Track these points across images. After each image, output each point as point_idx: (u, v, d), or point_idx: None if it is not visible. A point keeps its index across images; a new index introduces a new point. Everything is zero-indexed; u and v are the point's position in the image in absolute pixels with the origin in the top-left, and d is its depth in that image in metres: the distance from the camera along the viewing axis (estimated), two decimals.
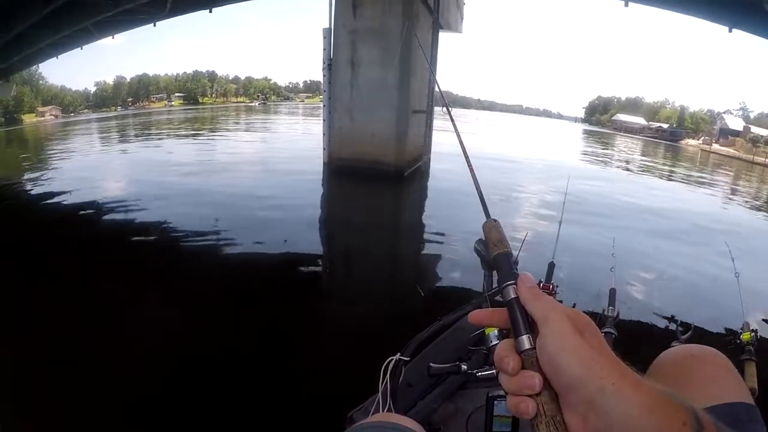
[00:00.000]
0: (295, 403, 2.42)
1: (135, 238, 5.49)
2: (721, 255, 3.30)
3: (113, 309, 3.41)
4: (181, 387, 2.54)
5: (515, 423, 1.09)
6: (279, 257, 4.92)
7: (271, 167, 11.11)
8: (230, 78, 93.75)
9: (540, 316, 0.43)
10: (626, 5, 10.04)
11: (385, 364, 1.31)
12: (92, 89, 67.81)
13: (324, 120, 10.12)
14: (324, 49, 9.76)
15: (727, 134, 47.58)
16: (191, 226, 5.88)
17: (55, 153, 15.38)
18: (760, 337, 2.03)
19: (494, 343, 0.48)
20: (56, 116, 50.94)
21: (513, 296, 0.45)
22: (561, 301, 0.47)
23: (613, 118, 73.07)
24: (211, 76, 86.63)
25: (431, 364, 1.26)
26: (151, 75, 77.05)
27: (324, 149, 10.25)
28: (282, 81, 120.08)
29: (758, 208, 11.36)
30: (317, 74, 10.24)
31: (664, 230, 6.93)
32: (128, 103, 70.44)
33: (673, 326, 2.43)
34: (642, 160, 22.91)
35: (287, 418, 2.34)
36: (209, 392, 2.51)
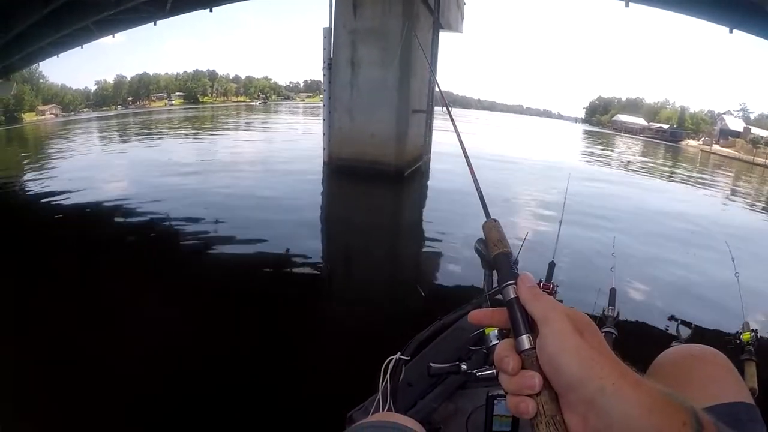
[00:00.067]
0: (295, 403, 2.42)
1: (135, 238, 5.50)
2: (722, 255, 3.29)
3: (113, 309, 3.41)
4: (181, 387, 2.54)
5: (515, 423, 1.09)
6: (279, 257, 4.92)
7: (271, 167, 11.11)
8: (231, 77, 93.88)
9: (540, 316, 0.43)
10: (627, 5, 10.04)
11: (385, 363, 1.31)
12: (93, 88, 67.95)
13: (324, 120, 10.13)
14: (324, 49, 9.76)
15: (727, 135, 47.57)
16: (191, 226, 5.89)
17: (56, 152, 15.39)
18: (761, 337, 2.02)
19: (494, 342, 0.48)
20: (56, 115, 50.94)
21: (513, 296, 0.46)
22: (561, 301, 0.47)
23: (614, 118, 73.07)
24: (212, 76, 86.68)
25: (431, 364, 1.26)
26: (151, 74, 77.24)
27: (324, 149, 10.25)
28: (282, 80, 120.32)
29: (759, 210, 11.35)
30: (318, 74, 10.26)
31: (664, 230, 6.92)
32: (129, 102, 70.48)
33: (673, 326, 2.44)
34: (642, 161, 22.90)
35: (287, 418, 2.34)
36: (210, 392, 2.51)
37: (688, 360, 0.90)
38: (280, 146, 16.43)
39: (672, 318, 3.65)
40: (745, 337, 1.97)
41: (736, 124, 50.29)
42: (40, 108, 50.51)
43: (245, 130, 24.49)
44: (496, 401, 1.09)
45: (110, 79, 71.24)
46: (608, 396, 0.38)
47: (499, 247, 0.49)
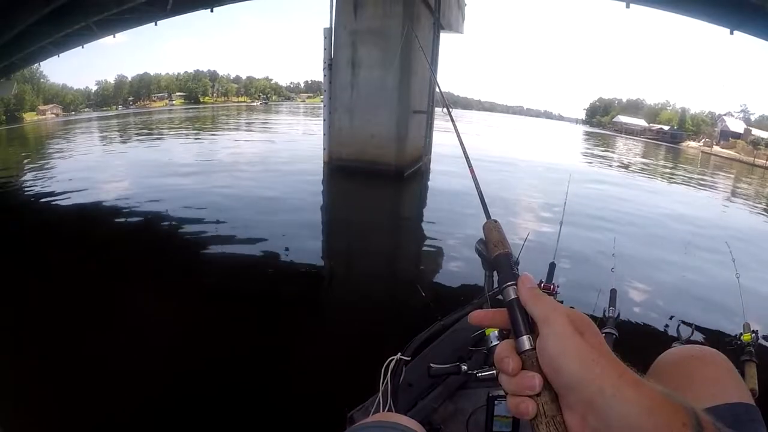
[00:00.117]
0: (296, 403, 2.42)
1: (135, 238, 5.50)
2: (722, 257, 3.29)
3: (112, 308, 3.42)
4: (182, 386, 2.54)
5: (515, 423, 1.09)
6: (279, 257, 4.92)
7: (272, 167, 11.11)
8: (231, 78, 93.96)
9: (540, 316, 0.43)
10: (627, 6, 10.04)
11: (385, 364, 1.31)
12: (93, 88, 67.99)
13: (324, 120, 10.14)
14: (325, 50, 9.77)
15: (728, 136, 47.49)
16: (191, 226, 5.89)
17: (56, 152, 15.40)
18: (761, 338, 2.02)
19: (494, 343, 0.48)
20: (57, 115, 50.98)
21: (513, 297, 0.46)
22: (562, 302, 0.47)
23: (614, 119, 72.98)
24: (213, 76, 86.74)
25: (431, 365, 1.26)
26: (152, 74, 77.27)
27: (324, 149, 10.26)
28: (283, 81, 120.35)
29: (759, 212, 11.34)
30: (318, 74, 10.28)
31: (664, 232, 6.92)
32: (129, 102, 70.53)
33: (673, 327, 2.44)
34: (642, 162, 22.90)
35: (288, 418, 2.34)
36: (210, 392, 2.51)
37: (689, 360, 0.90)
38: (280, 146, 16.43)
39: (672, 318, 3.65)
40: (746, 338, 1.97)
41: (736, 126, 50.21)
42: (41, 108, 50.53)
43: (246, 130, 24.51)
44: (496, 402, 1.09)
45: (111, 79, 71.40)
46: (608, 397, 0.38)
47: (500, 247, 0.49)
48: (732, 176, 21.48)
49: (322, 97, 10.60)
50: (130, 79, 73.27)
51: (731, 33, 9.17)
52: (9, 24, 11.28)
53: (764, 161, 30.92)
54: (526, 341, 0.44)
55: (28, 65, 23.19)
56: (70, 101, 59.36)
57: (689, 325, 3.09)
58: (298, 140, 18.88)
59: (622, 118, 69.95)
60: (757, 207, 12.09)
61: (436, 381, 1.45)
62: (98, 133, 23.75)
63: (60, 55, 17.44)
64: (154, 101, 73.98)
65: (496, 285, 0.50)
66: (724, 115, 56.36)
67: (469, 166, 0.61)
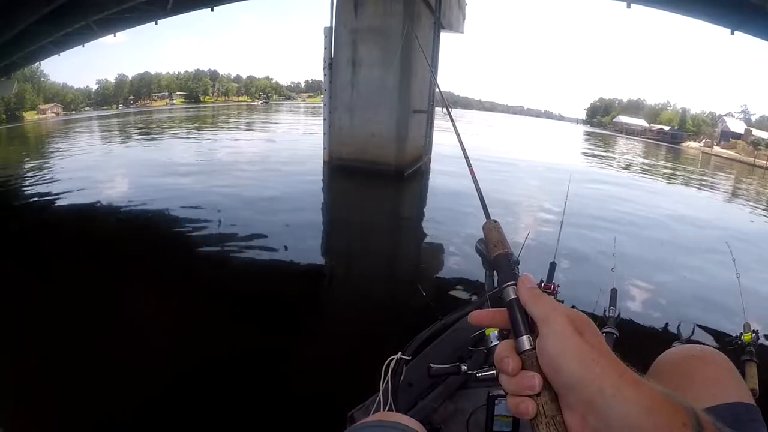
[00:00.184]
0: (296, 403, 2.42)
1: (135, 237, 5.50)
2: (722, 257, 3.29)
3: (112, 308, 3.42)
4: (182, 386, 2.54)
5: (516, 423, 1.09)
6: (279, 256, 4.93)
7: (272, 166, 11.11)
8: (232, 77, 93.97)
9: (540, 316, 0.43)
10: (628, 6, 10.03)
11: (386, 363, 1.31)
12: (94, 87, 67.97)
13: (324, 119, 10.14)
14: (325, 49, 9.77)
15: (728, 137, 47.45)
16: (191, 225, 5.89)
17: (56, 151, 15.40)
18: (762, 337, 2.02)
19: (494, 343, 0.48)
20: (58, 114, 50.98)
21: (513, 297, 0.46)
22: (562, 301, 0.47)
23: (615, 120, 72.98)
24: (213, 75, 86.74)
25: (431, 365, 1.26)
26: (152, 73, 77.23)
27: (324, 148, 10.27)
28: (284, 80, 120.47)
29: (759, 214, 11.34)
30: (319, 74, 10.29)
31: (664, 232, 6.92)
32: (130, 101, 70.54)
33: (674, 326, 2.44)
34: (643, 163, 22.90)
35: (289, 418, 2.34)
36: (211, 392, 2.51)
37: (689, 360, 0.90)
38: (280, 146, 16.44)
39: (673, 318, 3.65)
40: (746, 337, 1.97)
41: (737, 126, 50.18)
42: (42, 107, 50.52)
43: (246, 129, 24.52)
44: (496, 401, 1.09)
45: (111, 78, 71.37)
46: (608, 396, 0.38)
47: (499, 248, 0.49)
48: (732, 177, 21.48)
49: (322, 96, 10.61)
50: (130, 78, 73.34)
51: (732, 33, 9.16)
52: (9, 23, 11.27)
53: (765, 162, 30.90)
54: (525, 341, 0.44)
55: (29, 64, 23.16)
56: (70, 100, 59.38)
57: (690, 324, 3.10)
58: (299, 140, 18.89)
59: (623, 119, 69.95)
60: (757, 207, 12.08)
61: (436, 381, 1.45)
62: (99, 132, 23.77)
63: (60, 54, 17.41)
64: (155, 100, 73.99)
65: (496, 284, 0.50)
66: (725, 115, 56.33)
67: (468, 167, 0.61)
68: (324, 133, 10.22)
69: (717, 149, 42.79)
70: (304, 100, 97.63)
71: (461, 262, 4.92)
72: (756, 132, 46.60)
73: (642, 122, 66.37)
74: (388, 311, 3.61)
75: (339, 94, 9.83)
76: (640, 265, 4.93)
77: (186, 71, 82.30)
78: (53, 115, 49.56)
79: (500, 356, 0.44)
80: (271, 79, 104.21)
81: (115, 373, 2.57)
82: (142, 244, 5.22)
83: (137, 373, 2.57)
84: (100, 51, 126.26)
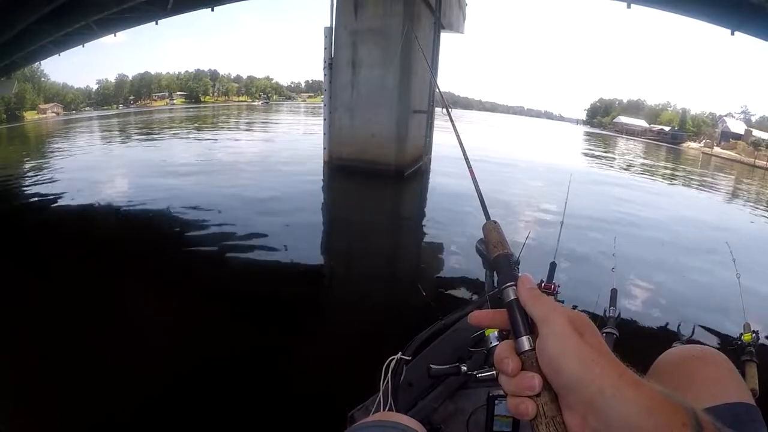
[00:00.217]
0: (297, 403, 2.42)
1: (135, 237, 5.50)
2: (723, 257, 3.29)
3: (112, 308, 3.42)
4: (180, 387, 2.54)
5: (516, 423, 1.09)
6: (279, 256, 4.93)
7: (272, 166, 11.12)
8: (232, 77, 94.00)
9: (540, 317, 0.43)
10: (629, 7, 10.03)
11: (386, 363, 1.31)
12: (94, 87, 68.02)
13: (324, 119, 10.14)
14: (325, 49, 9.77)
15: (728, 137, 47.45)
16: (191, 225, 5.89)
17: (56, 151, 15.41)
18: (762, 338, 2.02)
19: (494, 344, 0.48)
20: (58, 114, 51.02)
21: (513, 297, 0.46)
22: (563, 301, 0.47)
23: (615, 120, 72.95)
24: (213, 75, 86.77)
25: (431, 366, 1.26)
26: (153, 73, 77.28)
27: (324, 148, 10.27)
28: (284, 80, 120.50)
29: (760, 215, 11.34)
30: (319, 74, 10.29)
31: (664, 232, 6.92)
32: (130, 101, 70.58)
33: (674, 326, 2.43)
34: (643, 163, 22.91)
35: (289, 418, 2.34)
36: (212, 391, 2.51)
37: (689, 360, 0.90)
38: (280, 146, 16.45)
39: (673, 318, 3.65)
40: (746, 338, 1.97)
41: (737, 127, 50.17)
42: (42, 106, 50.55)
43: (246, 129, 24.52)
44: (496, 401, 1.09)
45: (112, 78, 71.44)
46: (608, 397, 0.38)
47: (499, 248, 0.49)
48: (732, 177, 21.48)
49: (322, 96, 10.61)
50: (130, 78, 73.39)
51: (732, 34, 9.16)
52: (10, 23, 11.27)
53: (765, 162, 30.89)
54: (525, 342, 0.44)
55: (29, 64, 23.16)
56: (70, 100, 59.43)
57: (690, 325, 3.09)
58: (299, 140, 18.89)
59: (623, 119, 69.95)
60: (757, 208, 12.08)
61: (436, 381, 1.45)
62: (99, 132, 23.77)
63: (60, 54, 17.42)
64: (155, 100, 74.03)
65: (496, 285, 0.50)
66: (725, 116, 56.30)
67: (468, 167, 0.61)
68: (324, 133, 10.22)
69: (717, 150, 42.79)
70: (305, 101, 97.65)
71: (461, 261, 4.93)
72: (756, 132, 46.57)
73: (642, 123, 66.35)
74: (388, 311, 3.61)
75: (339, 94, 9.84)
76: (640, 266, 4.93)
77: (186, 71, 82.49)
78: (53, 114, 49.60)
79: (500, 357, 0.44)
80: (272, 79, 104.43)
81: (115, 373, 2.56)
82: (142, 244, 5.21)
83: (137, 373, 2.57)
84: (100, 51, 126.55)
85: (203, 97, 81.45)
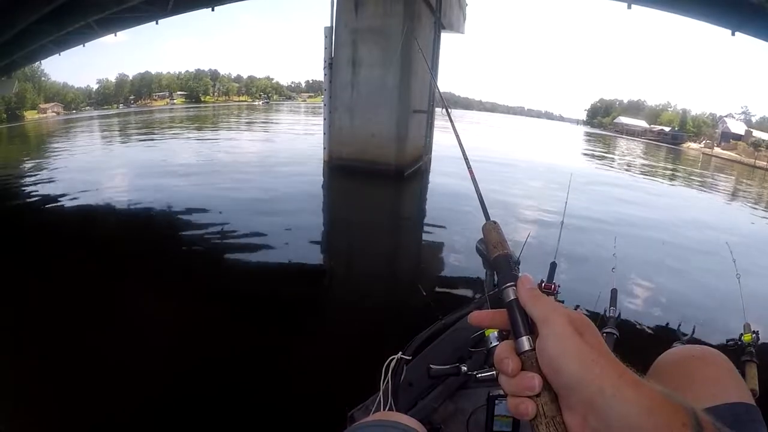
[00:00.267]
0: (297, 402, 2.42)
1: (135, 238, 5.50)
2: (723, 257, 3.29)
3: (112, 308, 3.42)
4: (180, 387, 2.54)
5: (516, 423, 1.09)
6: (279, 256, 4.93)
7: (272, 166, 11.11)
8: (232, 77, 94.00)
9: (540, 317, 0.43)
10: (629, 7, 10.02)
11: (386, 363, 1.31)
12: (94, 87, 68.05)
13: (324, 119, 10.14)
14: (325, 49, 9.77)
15: (729, 138, 47.43)
16: (191, 225, 5.89)
17: (57, 151, 15.42)
18: (762, 338, 2.02)
19: (494, 344, 0.48)
20: (58, 113, 51.04)
21: (513, 298, 0.46)
22: (563, 301, 0.47)
23: (615, 120, 72.86)
24: (214, 75, 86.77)
25: (431, 366, 1.26)
26: (153, 73, 77.31)
27: (324, 148, 10.27)
28: (284, 80, 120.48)
29: (760, 214, 11.35)
30: (319, 74, 10.29)
31: (664, 232, 6.91)
32: (131, 101, 70.61)
33: (674, 326, 2.44)
34: (643, 164, 22.92)
35: (289, 417, 2.34)
36: (212, 391, 2.51)
37: (689, 361, 0.90)
38: (280, 146, 16.47)
39: (673, 318, 3.65)
40: (747, 338, 1.97)
41: (737, 127, 50.15)
42: (42, 106, 50.57)
43: (247, 129, 24.53)
44: (496, 401, 1.09)
45: (112, 78, 71.47)
46: (608, 397, 0.38)
47: (499, 248, 0.49)
48: (733, 178, 21.48)
49: (322, 96, 10.61)
50: (131, 77, 73.40)
51: (732, 34, 9.15)
52: (10, 22, 11.27)
53: (765, 163, 30.90)
54: (525, 342, 0.44)
55: (29, 63, 23.18)
56: (71, 100, 59.47)
57: (690, 325, 3.10)
58: (299, 139, 18.89)
59: (623, 119, 69.89)
60: (757, 209, 12.09)
61: (436, 381, 1.45)
62: (99, 131, 23.78)
63: (61, 53, 17.42)
64: (156, 100, 74.05)
65: (496, 285, 0.50)
66: (725, 116, 56.27)
67: (468, 168, 0.61)
68: (324, 133, 10.22)
69: (717, 150, 42.78)
70: (305, 100, 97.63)
71: (461, 261, 4.92)
72: (756, 133, 46.54)
73: (642, 123, 66.30)
74: (388, 311, 3.61)
75: (339, 94, 9.84)
76: (640, 266, 4.93)
77: (187, 71, 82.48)
78: (54, 114, 49.62)
79: (500, 357, 0.45)
80: (272, 79, 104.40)
81: (115, 373, 2.57)
82: (142, 244, 5.21)
83: (137, 373, 2.58)
84: (100, 50, 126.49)
85: (204, 96, 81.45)
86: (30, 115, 45.89)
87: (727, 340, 2.03)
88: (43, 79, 53.23)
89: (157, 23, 14.88)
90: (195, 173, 9.69)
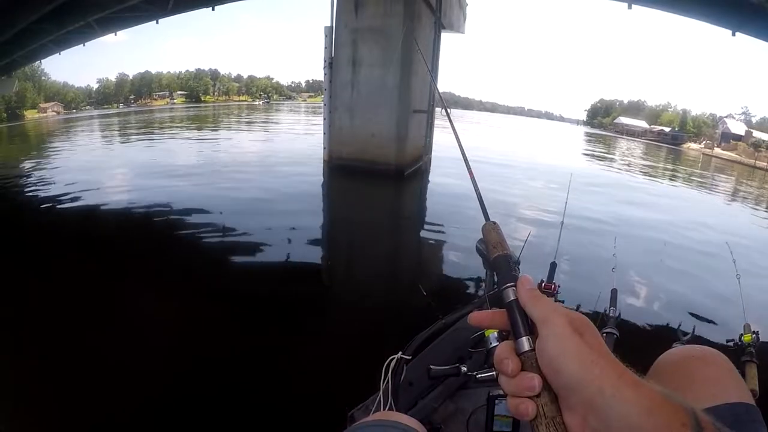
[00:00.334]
0: (297, 402, 2.42)
1: (135, 238, 5.50)
2: (723, 258, 3.29)
3: (112, 308, 3.42)
4: (180, 387, 2.54)
5: (516, 423, 1.09)
6: (279, 256, 4.93)
7: (272, 166, 11.10)
8: (233, 77, 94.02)
9: (539, 317, 0.44)
10: (630, 7, 10.02)
11: (386, 362, 1.31)
12: (95, 86, 68.10)
13: (324, 119, 10.14)
14: (325, 48, 9.77)
15: (729, 138, 47.43)
16: (191, 225, 5.89)
17: (56, 150, 15.42)
18: (762, 338, 2.02)
19: (494, 344, 0.48)
20: (58, 112, 51.08)
21: (512, 298, 0.46)
22: (563, 301, 0.47)
23: (615, 121, 72.84)
24: (214, 75, 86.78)
25: (431, 367, 1.26)
26: (153, 72, 77.34)
27: (324, 148, 10.27)
28: (284, 80, 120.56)
29: (760, 214, 11.35)
30: (320, 74, 10.29)
31: (664, 232, 6.91)
32: (131, 100, 70.65)
33: (674, 327, 2.44)
34: (643, 164, 22.92)
35: (289, 417, 2.34)
36: (212, 391, 2.51)
37: (689, 361, 0.90)
38: (280, 146, 16.47)
39: (673, 319, 3.65)
40: (747, 338, 1.97)
41: (738, 128, 50.15)
42: (42, 105, 50.60)
43: (247, 129, 24.52)
44: (496, 401, 1.09)
45: (112, 77, 71.56)
46: (607, 397, 0.38)
47: (499, 249, 0.49)
48: (733, 178, 21.49)
49: (322, 96, 10.61)
50: (131, 77, 73.44)
51: (733, 34, 9.15)
52: (10, 22, 11.28)
53: (765, 164, 30.90)
54: (525, 342, 0.44)
55: (30, 63, 23.19)
56: (71, 99, 59.52)
57: (690, 325, 3.10)
58: (299, 139, 18.89)
59: (623, 120, 69.88)
60: (757, 209, 12.09)
61: (436, 381, 1.45)
62: (99, 131, 23.77)
63: (61, 52, 17.43)
64: (156, 100, 74.08)
65: (496, 285, 0.50)
66: (726, 117, 56.27)
67: (468, 169, 0.61)
68: (324, 133, 10.22)
69: (717, 151, 42.79)
70: (305, 100, 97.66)
71: (462, 261, 4.92)
72: (756, 134, 46.54)
73: (643, 123, 66.28)
74: (388, 311, 3.61)
75: (339, 93, 9.83)
76: (640, 266, 4.93)
77: (187, 71, 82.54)
78: (54, 113, 49.65)
79: (500, 358, 0.45)
80: (272, 78, 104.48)
81: (115, 373, 2.56)
82: (142, 244, 5.21)
83: (137, 373, 2.57)
84: (100, 50, 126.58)
85: (204, 96, 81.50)
86: (30, 115, 45.92)
87: (727, 340, 2.03)
88: (43, 78, 53.30)
89: (157, 23, 14.89)
90: (195, 173, 9.68)
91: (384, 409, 1.25)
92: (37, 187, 8.24)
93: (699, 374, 0.85)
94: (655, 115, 71.90)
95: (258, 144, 17.09)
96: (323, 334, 3.29)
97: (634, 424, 0.37)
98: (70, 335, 3.00)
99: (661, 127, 61.00)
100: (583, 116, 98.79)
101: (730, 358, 0.90)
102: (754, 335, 1.99)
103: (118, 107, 63.04)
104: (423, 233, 6.24)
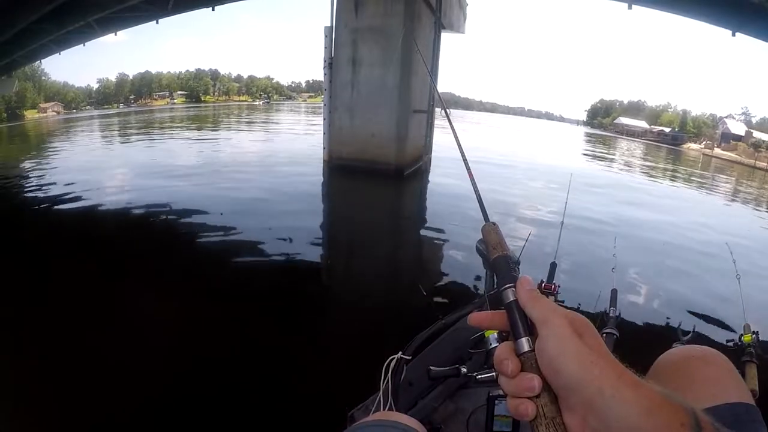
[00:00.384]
0: (297, 402, 2.42)
1: (135, 238, 5.50)
2: (723, 258, 3.29)
3: (112, 308, 3.42)
4: (181, 387, 2.54)
5: (516, 423, 1.09)
6: (279, 256, 4.92)
7: (272, 166, 11.11)
8: (233, 77, 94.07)
9: (539, 318, 0.44)
10: (630, 8, 10.02)
11: (386, 362, 1.31)
12: (95, 86, 68.14)
13: (324, 119, 10.14)
14: (325, 48, 9.77)
15: (729, 139, 47.44)
16: (191, 225, 5.89)
17: (56, 150, 15.42)
18: (762, 338, 2.02)
19: (494, 345, 0.48)
20: (58, 112, 51.12)
21: (512, 299, 0.46)
22: (563, 301, 0.47)
23: (615, 121, 72.85)
24: (214, 75, 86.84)
25: (431, 367, 1.26)
26: (153, 72, 77.40)
27: (324, 148, 10.28)
28: (284, 80, 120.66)
29: (760, 215, 11.35)
30: (320, 74, 10.29)
31: (664, 232, 6.91)
32: (131, 100, 70.68)
33: (674, 326, 2.44)
34: (643, 164, 22.92)
35: (290, 417, 2.34)
36: (212, 391, 2.51)
37: (689, 361, 0.90)
38: (280, 145, 16.47)
39: (673, 319, 3.65)
40: (747, 338, 1.97)
41: (737, 128, 50.16)
42: (42, 105, 50.64)
43: (247, 129, 24.53)
44: (496, 401, 1.09)
45: (112, 77, 71.63)
46: (607, 397, 0.38)
47: (498, 250, 0.49)
48: (733, 179, 21.49)
49: (323, 96, 10.61)
50: (131, 77, 73.49)
51: (733, 35, 9.16)
52: (10, 21, 11.28)
53: (765, 164, 30.90)
54: (525, 343, 0.44)
55: (30, 63, 23.20)
56: (71, 99, 59.56)
57: (690, 325, 3.10)
58: (299, 139, 18.89)
59: (623, 120, 69.89)
60: (757, 210, 12.09)
61: (436, 381, 1.45)
62: (99, 131, 23.77)
63: (61, 52, 17.44)
64: (156, 100, 74.13)
65: (496, 285, 0.50)
66: (726, 117, 56.26)
67: (467, 170, 0.61)
68: (324, 133, 10.22)
69: (717, 151, 42.78)
70: (305, 100, 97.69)
71: (462, 261, 4.92)
72: (756, 134, 46.55)
73: (643, 124, 66.28)
74: (388, 311, 3.61)
75: (339, 93, 9.84)
76: (640, 266, 4.93)
77: (187, 71, 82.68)
78: (54, 113, 49.68)
79: (499, 358, 0.45)
80: (272, 78, 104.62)
81: (115, 373, 2.56)
82: (142, 244, 5.21)
83: (137, 373, 2.57)
84: (100, 50, 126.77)
85: (204, 96, 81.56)
86: (30, 115, 45.95)
87: (727, 341, 2.03)
88: (43, 78, 53.35)
89: (157, 23, 14.90)
90: (195, 173, 9.67)
91: (384, 409, 1.25)
92: (37, 187, 8.24)
93: (699, 374, 0.85)
94: (655, 116, 71.91)
95: (258, 144, 17.09)
96: (323, 334, 3.29)
97: (633, 424, 0.37)
98: (70, 335, 3.00)
99: (661, 128, 60.99)
100: (583, 117, 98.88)
101: (730, 358, 0.90)
102: (754, 335, 1.99)
103: (118, 107, 63.09)
104: (423, 233, 6.24)
